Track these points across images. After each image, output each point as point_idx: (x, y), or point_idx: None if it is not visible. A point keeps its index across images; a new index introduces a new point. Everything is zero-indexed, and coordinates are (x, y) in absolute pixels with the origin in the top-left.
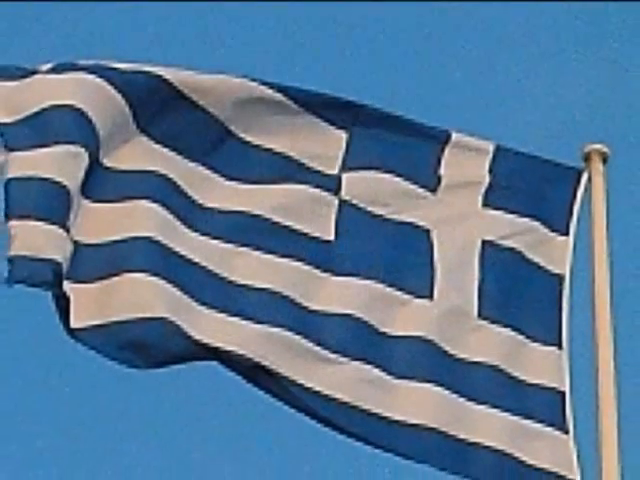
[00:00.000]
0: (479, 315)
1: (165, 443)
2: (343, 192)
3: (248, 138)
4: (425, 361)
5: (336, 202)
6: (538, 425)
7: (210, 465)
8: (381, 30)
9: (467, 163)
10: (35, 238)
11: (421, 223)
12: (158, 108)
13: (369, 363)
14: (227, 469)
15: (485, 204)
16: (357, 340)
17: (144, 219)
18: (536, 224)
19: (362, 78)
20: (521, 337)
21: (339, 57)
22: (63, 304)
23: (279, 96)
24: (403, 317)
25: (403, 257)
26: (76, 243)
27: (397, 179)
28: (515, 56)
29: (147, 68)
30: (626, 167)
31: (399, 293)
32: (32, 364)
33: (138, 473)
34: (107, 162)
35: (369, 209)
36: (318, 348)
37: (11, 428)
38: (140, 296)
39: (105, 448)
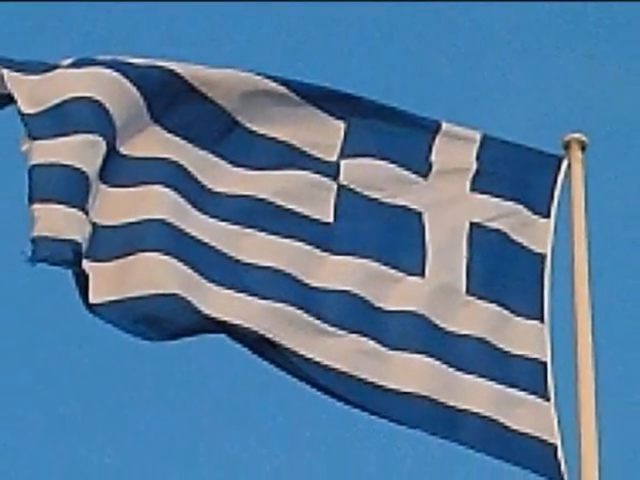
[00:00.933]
0: (467, 291)
1: (176, 410)
2: (341, 178)
3: (254, 128)
4: (417, 334)
5: (335, 187)
6: (521, 393)
7: (217, 430)
8: (377, 29)
9: (456, 151)
10: (56, 220)
11: (413, 206)
12: (170, 100)
13: (365, 335)
14: (234, 434)
15: (473, 189)
16: (354, 314)
17: (157, 202)
18: (520, 207)
19: (359, 72)
20: (506, 312)
21: (338, 53)
22: (82, 281)
23: (282, 89)
24: (397, 293)
25: (397, 238)
26: (94, 225)
27: (391, 166)
28: (501, 52)
29: (160, 63)
30: (603, 155)
31: (393, 271)
32: (54, 337)
33: (151, 438)
34: (123, 150)
35: (365, 193)
36: (318, 322)
37: (35, 396)
38: (154, 274)
39: (121, 414)
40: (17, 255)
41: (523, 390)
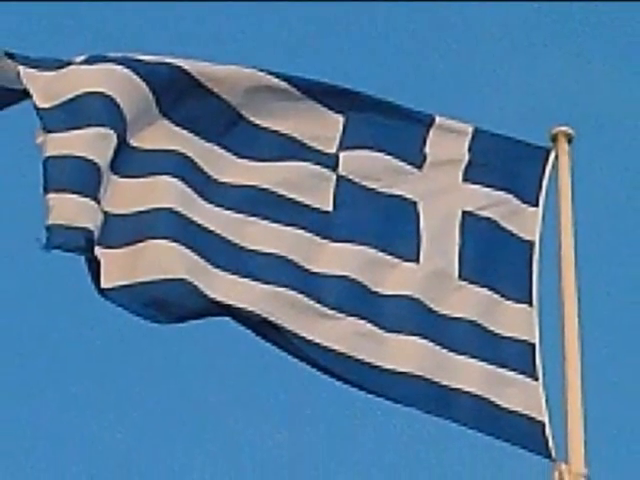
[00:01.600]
0: (459, 276)
1: (184, 389)
2: (340, 168)
3: (257, 121)
4: (412, 317)
5: (334, 177)
6: (511, 373)
7: (222, 408)
8: (374, 28)
9: (449, 143)
10: (70, 209)
11: (409, 196)
12: (178, 95)
13: (363, 318)
14: (238, 412)
15: (465, 179)
16: (352, 298)
17: (166, 192)
18: (509, 196)
19: (357, 69)
20: (496, 296)
21: (337, 51)
22: (94, 267)
23: (284, 84)
24: (393, 278)
25: (393, 226)
26: (106, 213)
27: (388, 157)
28: (492, 50)
29: (168, 60)
30: (588, 147)
31: (389, 257)
32: (68, 320)
33: (160, 415)
34: (133, 142)
35: (363, 183)
36: (318, 305)
37: (48, 376)
38: (162, 260)
39: (131, 393)
40: (33, 242)
41: (513, 370)
